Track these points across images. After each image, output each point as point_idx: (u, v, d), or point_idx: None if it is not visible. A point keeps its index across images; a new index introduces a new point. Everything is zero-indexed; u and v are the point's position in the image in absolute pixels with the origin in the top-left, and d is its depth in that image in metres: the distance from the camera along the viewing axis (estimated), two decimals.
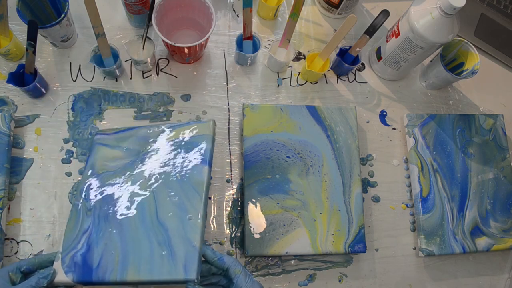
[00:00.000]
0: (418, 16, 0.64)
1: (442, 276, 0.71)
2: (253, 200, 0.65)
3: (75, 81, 0.70)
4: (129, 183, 0.58)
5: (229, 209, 0.68)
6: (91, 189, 0.59)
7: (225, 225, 0.67)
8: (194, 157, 0.59)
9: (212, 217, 0.67)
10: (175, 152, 0.60)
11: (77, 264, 0.52)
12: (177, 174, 0.58)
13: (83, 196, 0.59)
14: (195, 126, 0.61)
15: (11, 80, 0.63)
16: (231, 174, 0.70)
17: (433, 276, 0.71)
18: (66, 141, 0.67)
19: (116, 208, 0.56)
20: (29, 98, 0.68)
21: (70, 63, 0.71)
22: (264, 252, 0.63)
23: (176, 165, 0.59)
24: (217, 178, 0.69)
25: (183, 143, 0.61)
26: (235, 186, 0.69)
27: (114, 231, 0.54)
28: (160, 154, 0.60)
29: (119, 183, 0.59)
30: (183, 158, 0.59)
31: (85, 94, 0.70)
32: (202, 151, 0.59)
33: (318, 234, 0.65)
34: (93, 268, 0.52)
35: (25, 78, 0.65)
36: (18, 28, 0.70)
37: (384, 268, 0.70)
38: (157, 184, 0.58)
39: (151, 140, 0.62)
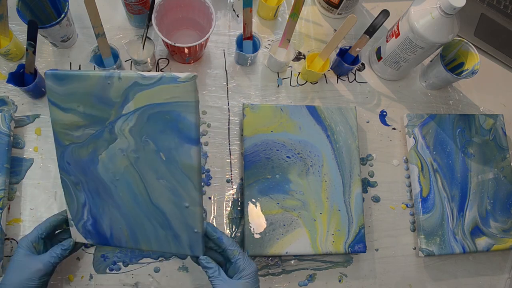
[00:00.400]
0: (418, 16, 0.64)
1: (442, 276, 0.71)
2: (253, 200, 0.65)
3: None
4: (106, 160, 0.53)
5: (229, 209, 0.68)
6: (67, 163, 0.55)
7: (225, 225, 0.67)
8: (178, 134, 0.51)
9: (212, 217, 0.67)
10: (152, 124, 0.51)
11: (91, 232, 0.55)
12: (161, 154, 0.52)
13: (62, 169, 0.56)
14: (172, 88, 0.50)
15: (11, 80, 0.63)
16: (231, 174, 0.70)
17: (433, 276, 0.71)
18: None
19: (103, 186, 0.54)
20: (29, 98, 0.68)
21: (70, 63, 0.71)
22: (264, 252, 0.63)
23: (157, 142, 0.51)
24: (217, 178, 0.69)
25: (160, 113, 0.51)
26: (235, 186, 0.69)
27: (114, 209, 0.54)
28: (133, 126, 0.52)
29: (93, 158, 0.53)
30: (161, 132, 0.51)
31: None
32: (186, 127, 0.50)
33: (318, 234, 0.65)
34: (108, 237, 0.55)
35: (25, 78, 0.65)
36: (18, 28, 0.70)
37: (384, 268, 0.70)
38: (139, 163, 0.52)
39: (117, 104, 0.52)
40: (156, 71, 0.73)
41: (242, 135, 0.70)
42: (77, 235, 0.56)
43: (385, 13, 0.67)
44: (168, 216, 0.53)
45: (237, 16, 0.79)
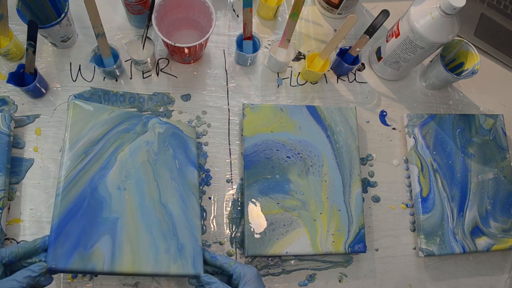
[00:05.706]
0: (418, 16, 0.64)
1: (442, 276, 0.71)
2: (253, 200, 0.65)
3: (75, 81, 0.70)
4: (126, 155, 0.57)
5: (229, 209, 0.68)
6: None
7: (225, 225, 0.67)
8: (187, 157, 0.63)
9: (212, 217, 0.67)
10: (174, 139, 0.63)
11: (72, 258, 0.48)
12: (176, 161, 0.62)
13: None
14: (182, 127, 0.65)
15: (11, 80, 0.63)
16: (231, 174, 0.70)
17: (433, 276, 0.71)
18: None
19: (101, 203, 0.53)
20: (29, 98, 0.68)
21: (70, 63, 0.71)
22: (264, 252, 0.63)
23: (175, 151, 0.62)
24: (217, 178, 0.69)
25: (179, 135, 0.64)
26: (235, 186, 0.69)
27: (108, 230, 0.52)
28: (162, 133, 0.62)
29: (107, 164, 0.55)
30: (178, 147, 0.63)
31: (85, 94, 0.70)
32: (191, 155, 0.64)
33: (318, 234, 0.65)
34: (95, 263, 0.50)
35: (25, 78, 0.65)
36: (18, 28, 0.70)
37: (384, 268, 0.70)
38: (157, 163, 0.59)
39: (137, 129, 0.61)
40: (156, 71, 0.73)
41: (242, 135, 0.70)
42: (54, 260, 0.47)
43: (385, 13, 0.67)
44: (175, 219, 0.57)
45: (237, 16, 0.79)
